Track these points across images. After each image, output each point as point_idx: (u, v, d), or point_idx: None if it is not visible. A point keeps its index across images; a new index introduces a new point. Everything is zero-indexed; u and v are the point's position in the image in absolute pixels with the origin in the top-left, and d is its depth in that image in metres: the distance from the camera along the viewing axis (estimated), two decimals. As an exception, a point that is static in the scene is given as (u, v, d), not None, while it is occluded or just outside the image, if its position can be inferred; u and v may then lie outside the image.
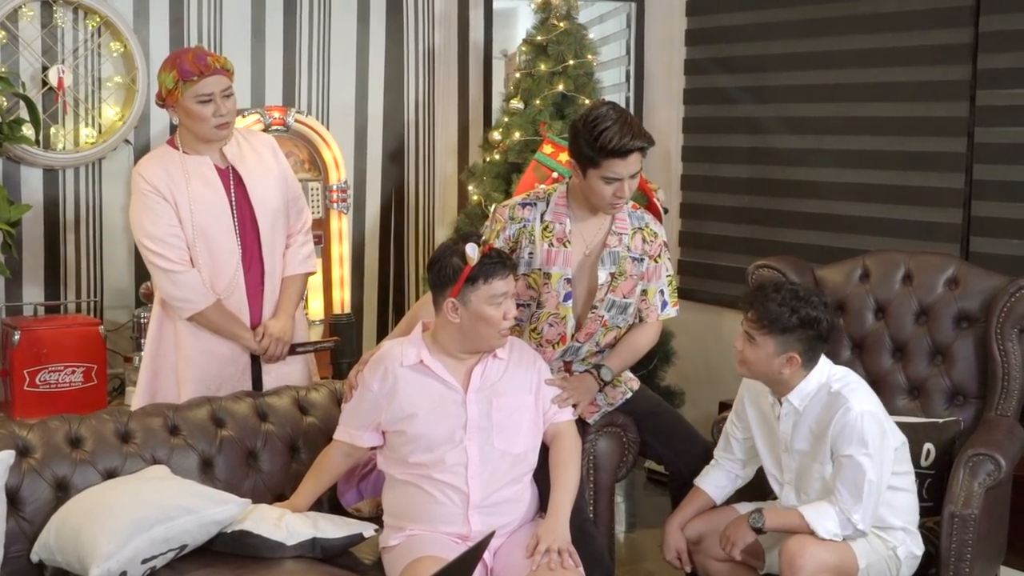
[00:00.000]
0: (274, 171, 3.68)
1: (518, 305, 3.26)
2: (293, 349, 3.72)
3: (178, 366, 3.62)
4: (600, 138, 3.25)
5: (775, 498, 3.38)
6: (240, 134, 3.70)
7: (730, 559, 3.26)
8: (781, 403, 3.20)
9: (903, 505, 3.19)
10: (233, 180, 3.60)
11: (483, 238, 3.14)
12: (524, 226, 3.45)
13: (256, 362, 3.68)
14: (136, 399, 3.69)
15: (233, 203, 3.58)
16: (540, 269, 3.43)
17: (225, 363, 3.63)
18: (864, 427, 3.05)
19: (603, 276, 3.44)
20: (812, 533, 3.06)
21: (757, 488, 3.50)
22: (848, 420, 3.06)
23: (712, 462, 3.47)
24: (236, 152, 3.62)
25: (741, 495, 3.48)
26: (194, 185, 3.53)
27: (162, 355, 3.65)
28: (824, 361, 3.20)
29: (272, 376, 3.69)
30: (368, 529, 3.16)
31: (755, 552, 3.26)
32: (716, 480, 3.43)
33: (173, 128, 4.67)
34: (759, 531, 3.17)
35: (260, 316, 3.66)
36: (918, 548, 3.20)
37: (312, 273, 3.85)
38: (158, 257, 3.50)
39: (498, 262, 3.05)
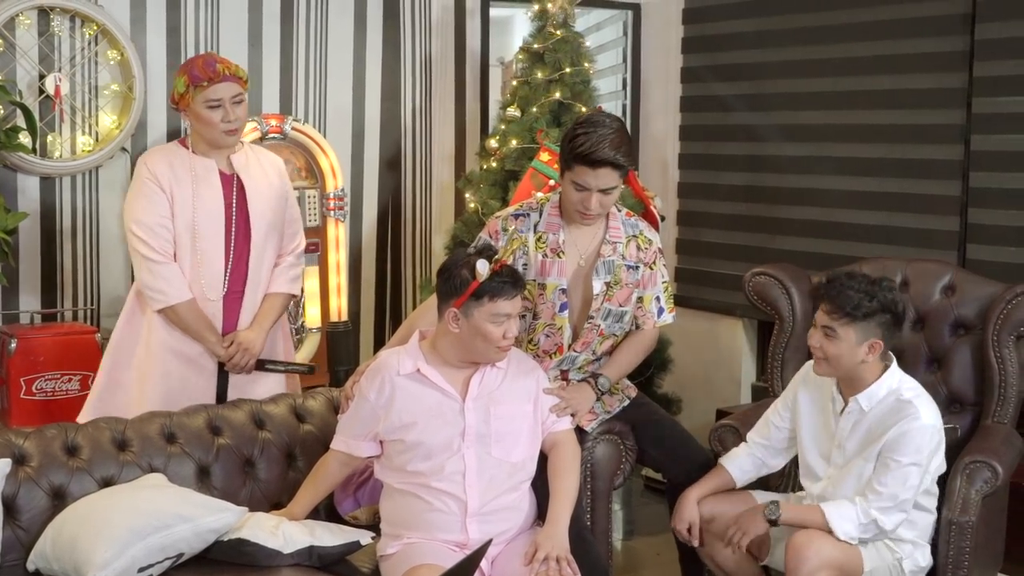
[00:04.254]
0: (277, 189, 3.73)
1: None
2: (262, 364, 3.69)
3: (143, 361, 3.61)
4: (575, 140, 3.27)
5: (785, 491, 3.38)
6: (251, 149, 3.77)
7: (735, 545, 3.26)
8: (847, 401, 3.20)
9: (922, 524, 3.21)
10: (236, 188, 3.64)
11: (496, 256, 3.13)
12: (518, 237, 3.45)
13: (225, 376, 3.67)
14: (93, 390, 3.69)
15: (233, 209, 3.61)
16: (535, 280, 3.43)
17: (190, 365, 3.61)
18: (924, 440, 3.07)
19: (598, 286, 3.43)
20: (829, 531, 3.07)
21: (763, 480, 3.51)
22: (913, 428, 3.07)
23: (743, 444, 3.47)
24: (243, 162, 3.68)
25: (757, 483, 3.47)
26: (196, 184, 3.58)
27: (126, 347, 3.65)
28: (896, 368, 3.22)
29: (237, 392, 3.66)
30: (365, 537, 3.16)
31: (761, 543, 3.26)
32: (742, 463, 3.43)
33: (175, 135, 4.69)
34: (773, 523, 3.17)
35: (234, 326, 3.66)
36: (924, 559, 3.20)
37: (296, 296, 3.87)
38: (142, 244, 3.53)
39: (508, 282, 3.04)
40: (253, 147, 3.81)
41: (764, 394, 3.50)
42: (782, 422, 3.40)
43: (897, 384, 3.18)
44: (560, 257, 3.43)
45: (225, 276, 3.61)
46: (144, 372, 3.61)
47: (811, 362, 3.30)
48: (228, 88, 3.54)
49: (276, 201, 3.71)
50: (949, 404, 3.68)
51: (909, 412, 3.10)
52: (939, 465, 3.22)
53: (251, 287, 3.66)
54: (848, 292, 3.11)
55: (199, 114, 3.56)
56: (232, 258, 3.61)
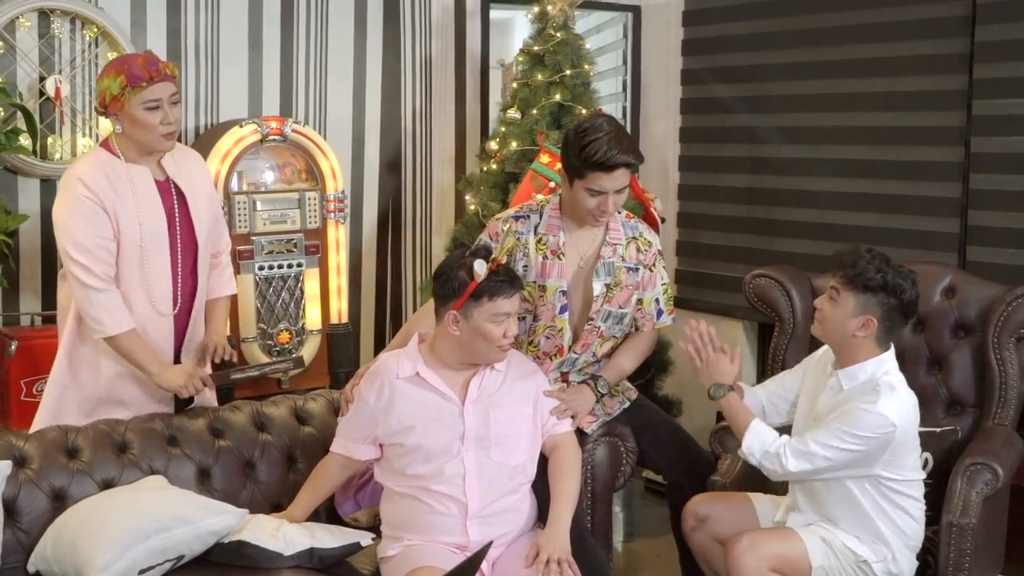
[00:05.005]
0: (206, 188, 3.56)
1: (514, 318, 3.25)
2: (227, 376, 3.53)
3: (98, 387, 3.43)
4: (586, 149, 3.25)
5: (777, 494, 3.39)
6: (175, 148, 3.54)
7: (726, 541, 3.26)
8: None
9: (902, 524, 3.17)
10: (176, 197, 3.46)
11: (492, 255, 3.13)
12: (518, 239, 3.45)
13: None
14: (38, 422, 3.44)
15: (176, 219, 3.44)
16: (535, 282, 3.43)
17: (145, 387, 3.43)
18: (868, 423, 3.03)
19: (598, 288, 3.44)
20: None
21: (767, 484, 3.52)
22: (864, 408, 3.04)
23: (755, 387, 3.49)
24: (174, 167, 3.47)
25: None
26: (137, 198, 3.36)
27: (74, 369, 3.44)
28: (890, 357, 3.19)
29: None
30: (365, 539, 3.16)
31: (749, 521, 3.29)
32: (756, 393, 3.44)
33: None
34: (714, 399, 3.24)
35: (183, 339, 3.49)
36: (895, 567, 3.16)
37: (234, 295, 3.73)
38: (81, 270, 3.27)
39: (505, 281, 3.04)
40: (176, 146, 3.54)
41: (764, 396, 3.50)
42: (791, 382, 3.40)
43: (882, 373, 3.15)
44: (560, 259, 3.43)
45: (176, 289, 3.44)
46: (97, 399, 3.43)
47: (825, 346, 3.31)
48: (166, 88, 3.31)
49: (209, 205, 3.54)
50: (950, 406, 3.68)
51: (870, 397, 3.08)
52: (913, 476, 3.17)
53: (199, 296, 3.52)
54: (861, 261, 3.13)
55: (135, 117, 3.30)
56: (180, 270, 3.44)
